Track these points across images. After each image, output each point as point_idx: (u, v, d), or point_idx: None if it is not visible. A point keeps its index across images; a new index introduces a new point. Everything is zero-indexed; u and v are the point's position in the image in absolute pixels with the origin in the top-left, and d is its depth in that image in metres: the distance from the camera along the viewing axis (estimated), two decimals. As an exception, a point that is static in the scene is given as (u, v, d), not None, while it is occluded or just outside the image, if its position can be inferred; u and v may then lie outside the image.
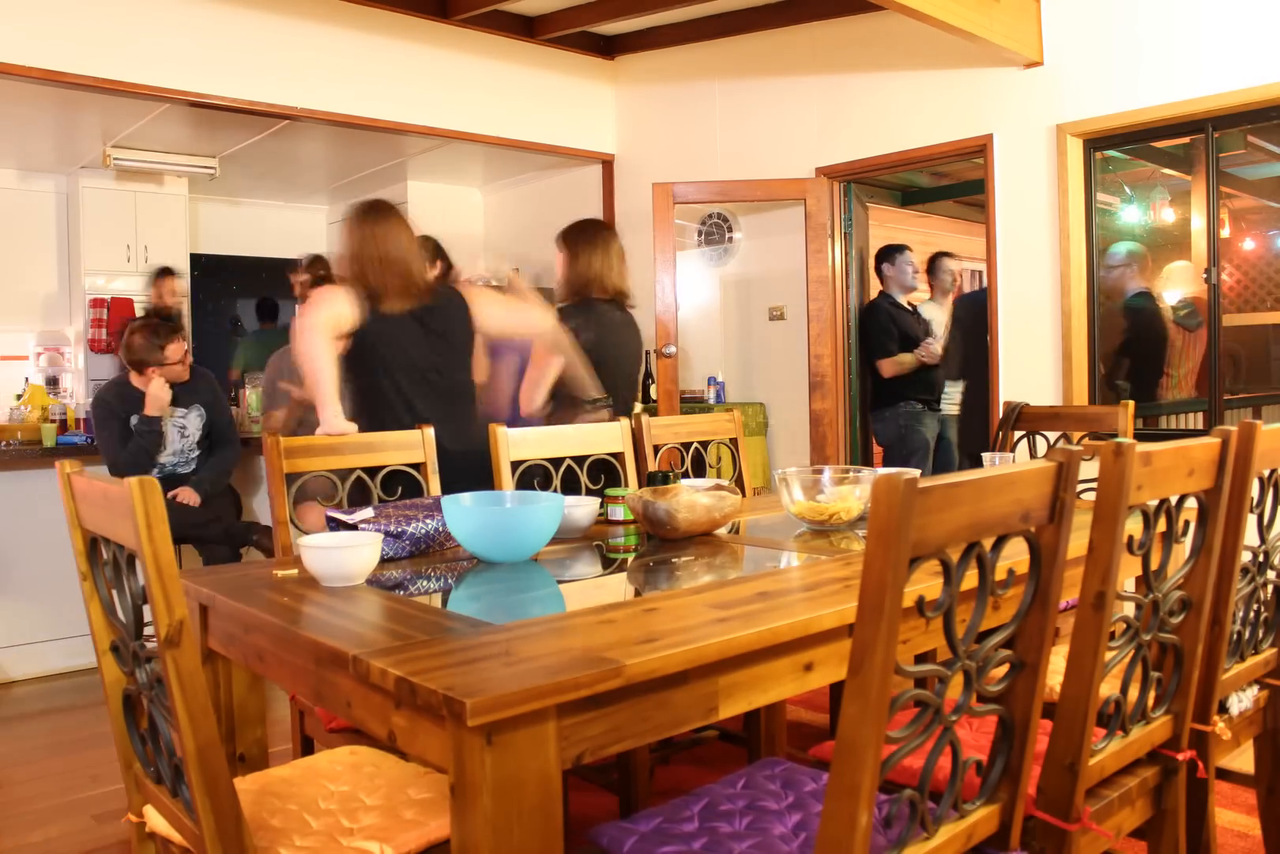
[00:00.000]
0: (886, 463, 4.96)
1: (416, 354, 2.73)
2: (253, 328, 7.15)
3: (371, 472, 2.48)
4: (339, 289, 2.70)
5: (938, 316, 5.34)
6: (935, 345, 4.98)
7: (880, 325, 4.88)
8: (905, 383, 4.87)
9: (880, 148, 4.54)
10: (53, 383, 5.70)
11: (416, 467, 2.55)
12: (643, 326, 5.28)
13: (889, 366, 4.82)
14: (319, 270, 4.27)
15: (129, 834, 1.64)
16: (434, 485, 2.55)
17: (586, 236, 3.30)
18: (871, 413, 4.96)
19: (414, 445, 2.56)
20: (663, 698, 1.29)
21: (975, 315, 4.45)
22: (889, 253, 5.05)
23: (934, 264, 5.43)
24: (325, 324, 2.58)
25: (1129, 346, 4.06)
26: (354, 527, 1.97)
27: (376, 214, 2.78)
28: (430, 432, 2.57)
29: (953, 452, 5.09)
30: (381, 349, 2.69)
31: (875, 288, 5.20)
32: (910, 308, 5.10)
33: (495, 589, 1.79)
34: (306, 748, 2.20)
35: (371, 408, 2.72)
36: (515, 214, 6.48)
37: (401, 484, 2.55)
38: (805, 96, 4.83)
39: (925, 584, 1.45)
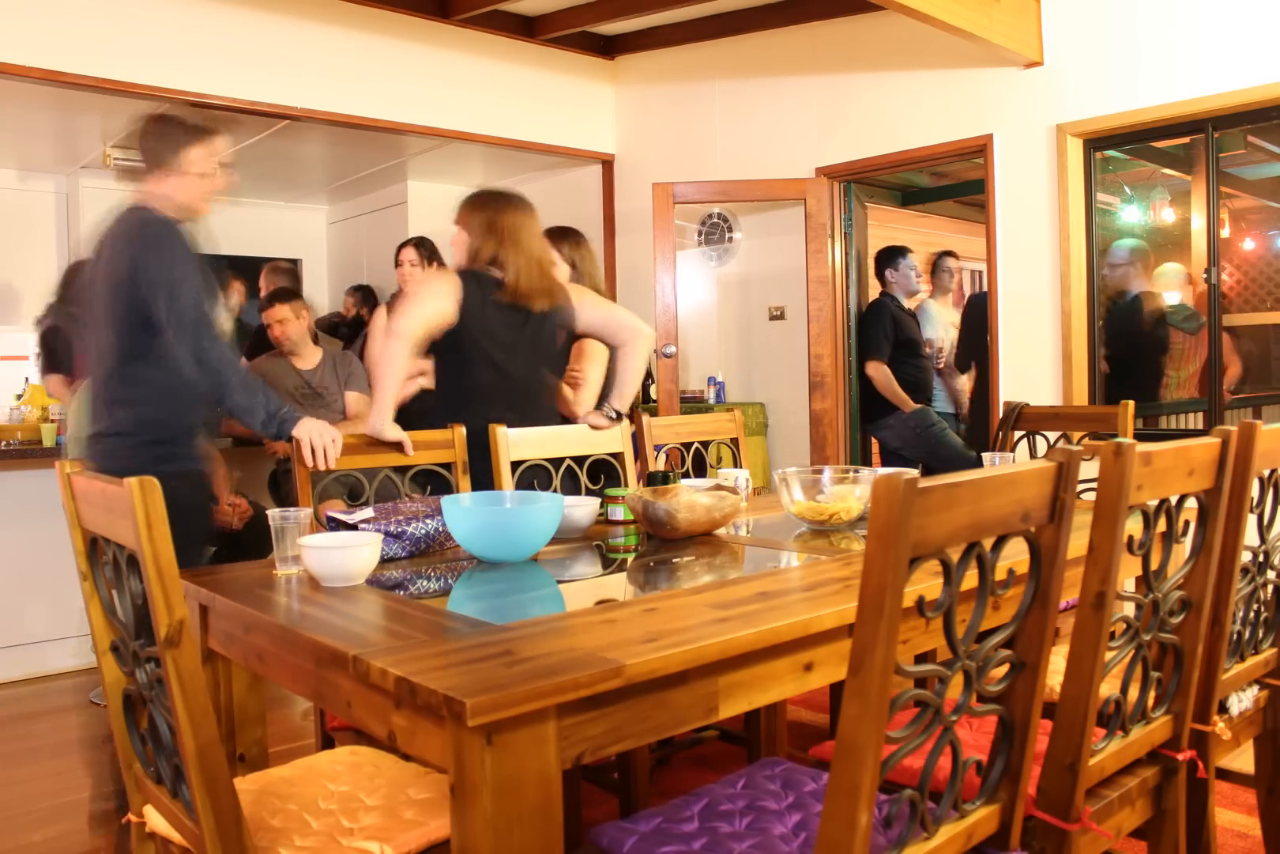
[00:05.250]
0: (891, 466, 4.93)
1: (514, 353, 2.67)
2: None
3: (399, 471, 2.47)
4: (443, 279, 2.61)
5: (938, 315, 5.34)
6: (943, 354, 4.99)
7: (881, 325, 4.82)
8: (910, 387, 4.85)
9: (880, 148, 4.54)
10: (53, 383, 5.68)
11: (447, 467, 2.54)
12: (643, 326, 5.30)
13: (874, 369, 4.77)
14: (426, 251, 4.22)
15: (129, 834, 1.64)
16: (465, 485, 2.53)
17: (581, 236, 3.29)
18: (877, 418, 4.91)
19: (444, 444, 2.54)
20: (663, 698, 1.29)
21: (985, 315, 4.43)
22: (891, 257, 5.01)
23: (936, 264, 5.43)
24: (416, 330, 2.51)
25: (1131, 347, 4.05)
26: (354, 527, 1.97)
27: (511, 206, 2.70)
28: (461, 430, 2.56)
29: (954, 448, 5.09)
30: (480, 346, 2.62)
31: (875, 288, 5.20)
32: (910, 312, 5.09)
33: (495, 589, 1.79)
34: (328, 745, 2.20)
35: (458, 401, 2.67)
36: (515, 214, 6.48)
37: (431, 484, 2.54)
38: (805, 96, 4.83)
39: (925, 584, 1.45)
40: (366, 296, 5.95)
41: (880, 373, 4.76)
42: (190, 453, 2.53)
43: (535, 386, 2.77)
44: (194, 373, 2.34)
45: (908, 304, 5.03)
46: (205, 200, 2.55)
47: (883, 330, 4.81)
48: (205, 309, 2.36)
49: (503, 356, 2.65)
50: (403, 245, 4.27)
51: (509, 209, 2.68)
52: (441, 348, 2.64)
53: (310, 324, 4.22)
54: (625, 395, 2.83)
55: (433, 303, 2.56)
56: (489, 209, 2.68)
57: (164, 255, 2.35)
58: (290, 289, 4.41)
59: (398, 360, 2.49)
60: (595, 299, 2.87)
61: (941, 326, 5.32)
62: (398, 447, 2.47)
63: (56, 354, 4.68)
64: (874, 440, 5.16)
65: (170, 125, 2.51)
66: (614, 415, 2.82)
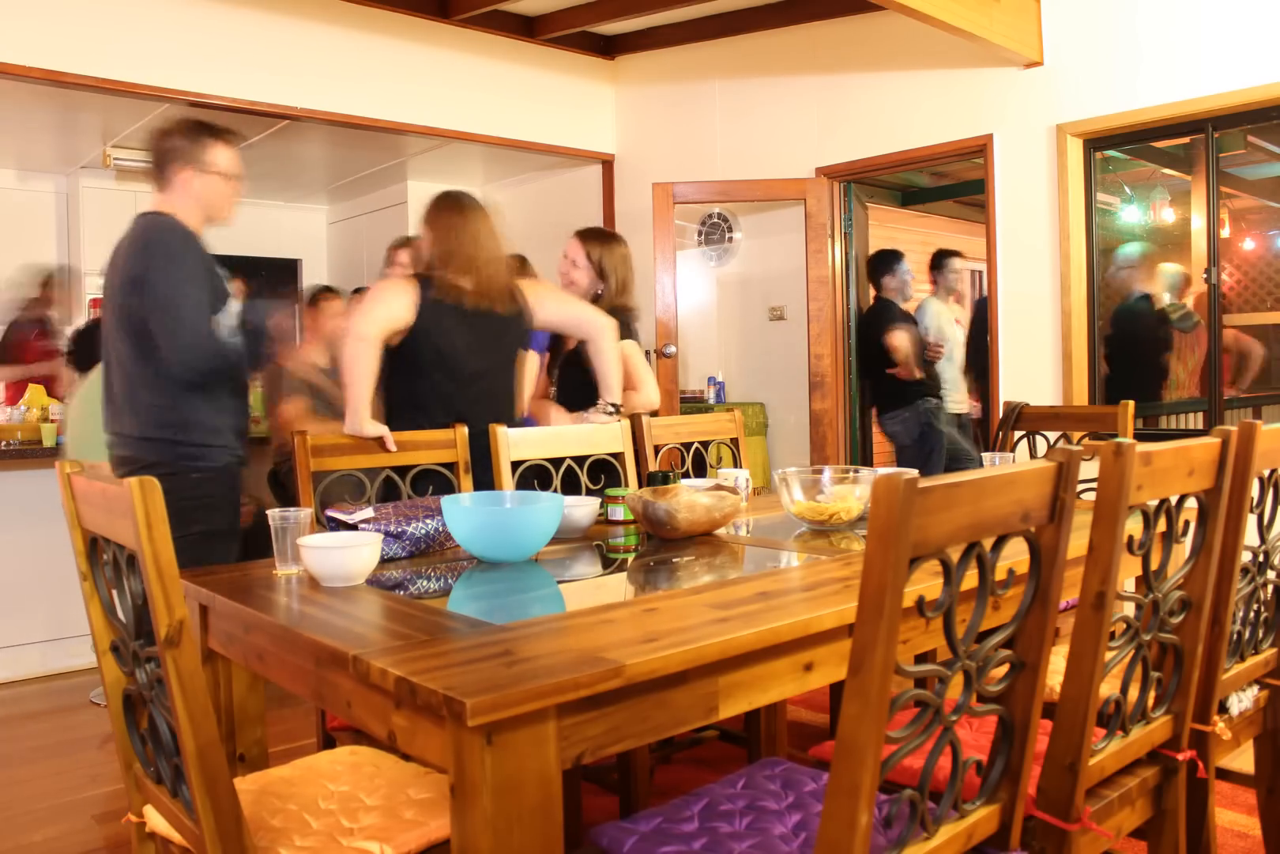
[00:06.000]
0: (902, 462, 4.93)
1: (471, 357, 2.68)
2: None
3: (401, 471, 2.47)
4: (400, 283, 2.66)
5: (940, 313, 5.33)
6: (941, 348, 4.99)
7: (891, 316, 4.82)
8: (919, 381, 4.85)
9: (880, 148, 4.54)
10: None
11: (449, 466, 2.54)
12: (643, 326, 5.30)
13: (905, 372, 4.78)
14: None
15: (129, 834, 1.64)
16: (466, 485, 2.53)
17: (615, 240, 3.31)
18: (885, 413, 4.90)
19: (447, 444, 2.54)
20: (663, 698, 1.29)
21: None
22: (887, 263, 4.96)
23: (941, 262, 5.39)
24: (376, 333, 2.55)
25: (1132, 347, 4.05)
26: (354, 527, 1.97)
27: (467, 208, 2.72)
28: (464, 430, 2.56)
29: (963, 450, 5.09)
30: (436, 350, 2.64)
31: (871, 289, 5.19)
32: (909, 315, 5.09)
33: (495, 589, 1.79)
34: (328, 745, 2.20)
35: (413, 406, 2.68)
36: (515, 214, 6.46)
37: (433, 484, 2.54)
38: (805, 96, 4.83)
39: (925, 584, 1.45)
40: None
41: (906, 370, 4.76)
42: (218, 449, 2.56)
43: (494, 392, 2.78)
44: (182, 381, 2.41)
45: (904, 306, 5.03)
46: (230, 203, 2.61)
47: (894, 319, 4.80)
48: (202, 326, 2.40)
49: (456, 361, 2.67)
50: (397, 246, 4.27)
51: (453, 211, 2.70)
52: (395, 353, 2.65)
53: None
54: (613, 387, 2.85)
55: (388, 303, 2.60)
56: (436, 211, 2.72)
57: (169, 270, 2.39)
58: (334, 287, 4.45)
59: (364, 361, 2.52)
60: (555, 296, 2.90)
61: (946, 323, 5.31)
62: (380, 443, 2.48)
63: (80, 353, 4.70)
64: (874, 440, 5.17)
65: (195, 125, 2.57)
66: (611, 410, 2.84)
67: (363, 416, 2.50)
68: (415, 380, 2.68)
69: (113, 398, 2.58)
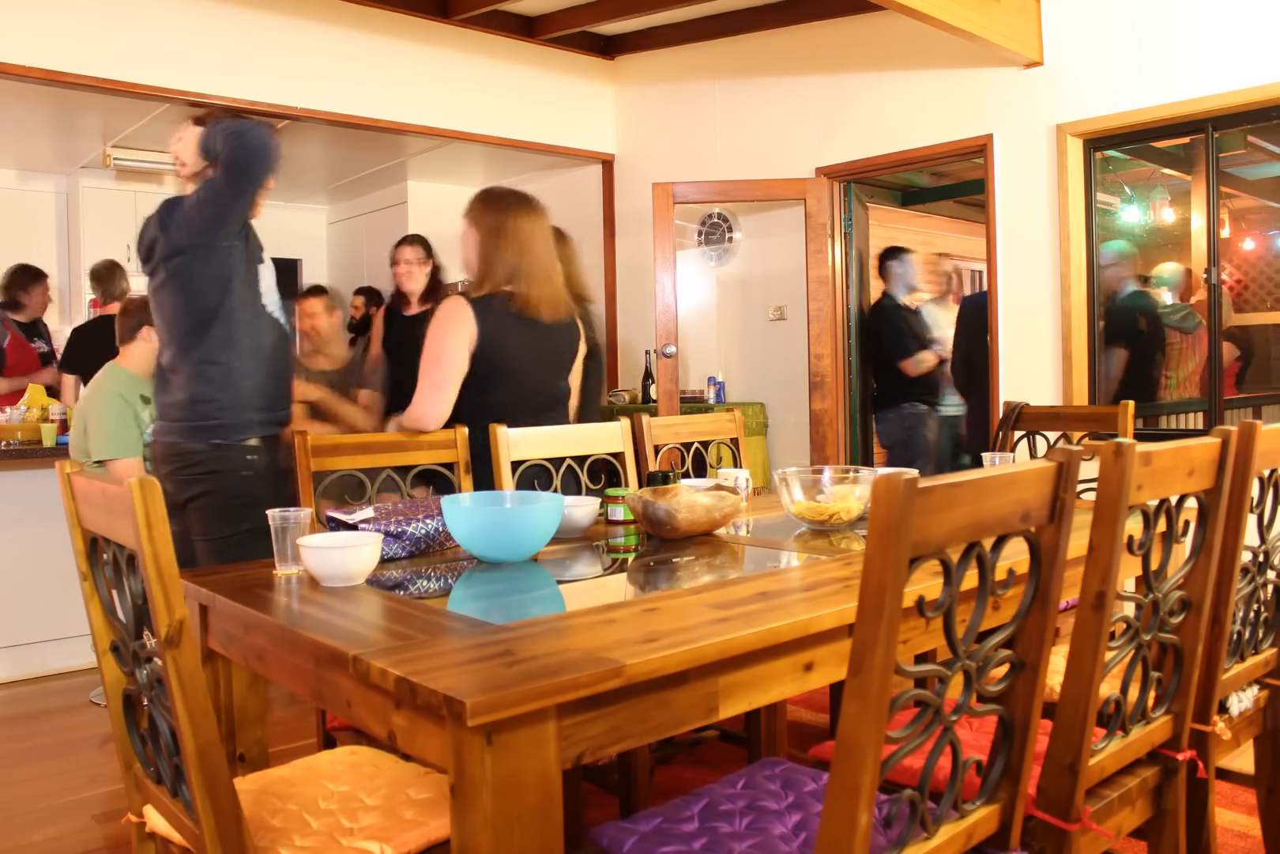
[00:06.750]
0: (891, 463, 4.96)
1: (535, 368, 2.66)
2: None
3: (401, 471, 2.47)
4: (455, 320, 2.53)
5: (940, 317, 5.34)
6: (946, 346, 5.02)
7: (895, 326, 4.88)
8: (909, 384, 4.86)
9: (880, 148, 4.54)
10: (52, 383, 5.69)
11: (449, 466, 2.54)
12: (643, 326, 5.31)
13: (912, 366, 4.83)
14: (424, 249, 4.13)
15: (129, 834, 1.64)
16: (466, 485, 2.53)
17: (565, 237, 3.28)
18: (875, 413, 4.97)
19: (447, 444, 2.54)
20: (663, 698, 1.29)
21: (981, 316, 4.44)
22: (895, 251, 5.10)
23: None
24: (465, 343, 2.53)
25: (1127, 346, 4.06)
26: (354, 526, 1.97)
27: (535, 212, 2.61)
28: (464, 430, 2.56)
29: (958, 452, 5.11)
30: (503, 365, 2.59)
31: (876, 288, 5.20)
32: (912, 309, 5.11)
33: (495, 589, 1.79)
34: (328, 745, 2.20)
35: (486, 420, 2.63)
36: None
37: (434, 484, 2.53)
38: (805, 96, 4.83)
39: (925, 584, 1.45)
40: (372, 297, 6.01)
41: (915, 364, 4.85)
42: (257, 427, 2.62)
43: (553, 399, 2.77)
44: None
45: (905, 300, 5.05)
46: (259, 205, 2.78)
47: (899, 331, 4.88)
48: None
49: (520, 372, 2.64)
50: (399, 244, 4.24)
51: (520, 213, 2.59)
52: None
53: (338, 321, 4.23)
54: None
55: (464, 327, 2.54)
56: (500, 211, 2.60)
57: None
58: (323, 286, 4.44)
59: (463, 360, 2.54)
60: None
61: (946, 326, 5.33)
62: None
63: (75, 354, 4.70)
64: (875, 442, 5.17)
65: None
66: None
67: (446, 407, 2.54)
68: (484, 394, 2.64)
69: (162, 373, 2.67)
